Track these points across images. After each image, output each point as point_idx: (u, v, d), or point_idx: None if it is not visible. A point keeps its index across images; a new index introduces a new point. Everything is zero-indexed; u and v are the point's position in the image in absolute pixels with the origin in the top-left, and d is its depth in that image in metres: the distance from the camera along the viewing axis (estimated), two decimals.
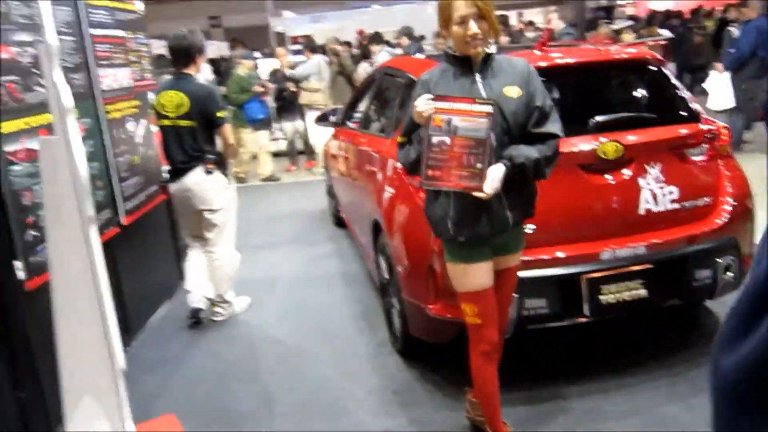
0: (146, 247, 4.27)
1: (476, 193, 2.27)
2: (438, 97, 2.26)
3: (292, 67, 8.70)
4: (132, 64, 4.16)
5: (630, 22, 9.44)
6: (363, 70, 8.38)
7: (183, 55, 3.95)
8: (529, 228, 2.88)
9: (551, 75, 3.20)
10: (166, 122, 3.92)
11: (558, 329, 2.99)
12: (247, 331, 4.10)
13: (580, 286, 2.89)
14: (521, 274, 2.81)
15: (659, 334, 3.56)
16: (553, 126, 2.37)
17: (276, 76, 8.56)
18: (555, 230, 2.94)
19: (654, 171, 2.99)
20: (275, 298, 4.60)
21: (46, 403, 2.80)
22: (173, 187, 4.03)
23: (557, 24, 7.99)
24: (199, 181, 3.92)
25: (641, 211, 2.99)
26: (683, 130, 3.09)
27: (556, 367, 3.29)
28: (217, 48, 24.74)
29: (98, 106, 3.64)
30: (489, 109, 2.22)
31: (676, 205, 3.03)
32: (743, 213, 3.19)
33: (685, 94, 3.34)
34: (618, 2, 25.70)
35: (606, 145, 2.89)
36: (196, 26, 4.04)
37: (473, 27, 2.28)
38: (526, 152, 2.30)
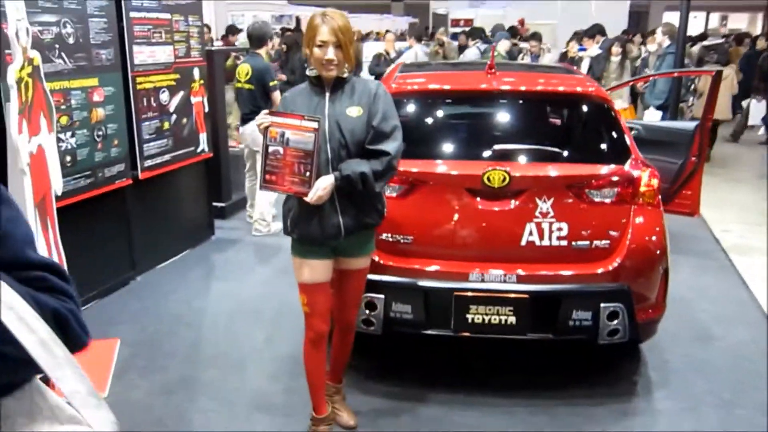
0: (167, 201, 5.00)
1: (305, 198, 2.59)
2: (274, 113, 2.60)
3: (399, 53, 9.07)
4: (176, 42, 4.83)
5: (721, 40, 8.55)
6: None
7: (257, 39, 5.60)
8: (407, 238, 3.12)
9: (480, 99, 3.37)
10: (238, 85, 5.52)
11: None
12: (222, 292, 4.69)
13: (450, 301, 3.08)
14: (390, 278, 3.09)
15: (580, 364, 3.60)
16: (389, 145, 2.60)
17: (379, 60, 8.99)
18: (432, 245, 3.13)
19: (544, 205, 3.05)
20: None
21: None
22: (241, 129, 5.70)
23: (662, 40, 7.51)
24: (254, 128, 5.35)
25: (523, 242, 3.07)
26: (584, 171, 3.10)
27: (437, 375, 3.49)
28: (391, 22, 25.62)
29: (129, 78, 4.37)
30: (315, 125, 2.52)
31: (563, 243, 3.07)
32: (645, 264, 3.13)
33: (624, 134, 3.30)
34: None
35: (493, 172, 3.01)
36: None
37: (330, 53, 2.57)
38: (355, 166, 2.57)
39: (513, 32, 9.67)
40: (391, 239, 3.15)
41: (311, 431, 2.91)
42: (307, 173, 2.57)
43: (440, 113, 3.43)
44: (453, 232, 3.11)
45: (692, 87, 7.66)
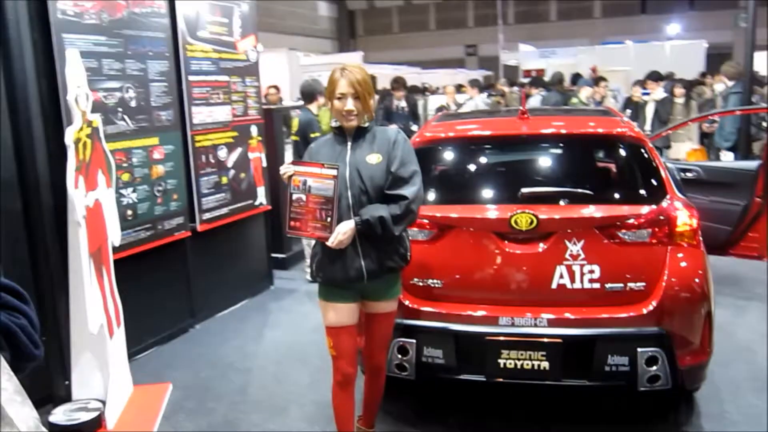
0: (226, 252, 5.23)
1: (326, 243, 2.69)
2: (296, 162, 2.74)
3: (458, 105, 9.20)
4: (234, 102, 5.15)
5: None
6: None
7: (307, 95, 5.90)
8: (437, 282, 3.15)
9: (509, 144, 3.42)
10: (293, 137, 5.81)
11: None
12: (274, 339, 4.81)
13: (482, 346, 3.06)
14: (421, 322, 3.12)
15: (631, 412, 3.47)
16: (407, 189, 2.67)
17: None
18: (462, 289, 3.14)
19: (574, 248, 3.01)
20: None
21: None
22: None
23: (724, 80, 7.26)
24: None
25: (554, 285, 3.03)
26: (614, 212, 3.05)
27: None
28: (465, 76, 25.95)
29: (188, 136, 4.68)
30: (334, 172, 2.64)
31: (595, 285, 3.01)
32: (684, 306, 3.01)
33: (659, 174, 3.24)
34: None
35: (520, 215, 3.01)
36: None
37: (349, 104, 2.71)
38: (374, 211, 2.65)
39: (576, 80, 9.62)
40: (421, 283, 3.19)
41: None
42: (328, 218, 2.67)
43: (470, 159, 3.48)
44: (482, 275, 3.12)
45: (766, 125, 7.35)
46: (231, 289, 5.33)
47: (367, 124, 2.79)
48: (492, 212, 3.12)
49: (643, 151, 3.30)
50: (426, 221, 3.17)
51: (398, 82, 8.77)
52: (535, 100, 9.11)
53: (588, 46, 24.39)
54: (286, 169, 2.74)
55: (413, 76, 24.11)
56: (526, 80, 19.53)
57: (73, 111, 3.27)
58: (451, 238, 3.16)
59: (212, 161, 4.94)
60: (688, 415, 3.44)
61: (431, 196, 3.32)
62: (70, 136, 3.18)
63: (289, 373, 4.15)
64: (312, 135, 5.47)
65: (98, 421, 3.42)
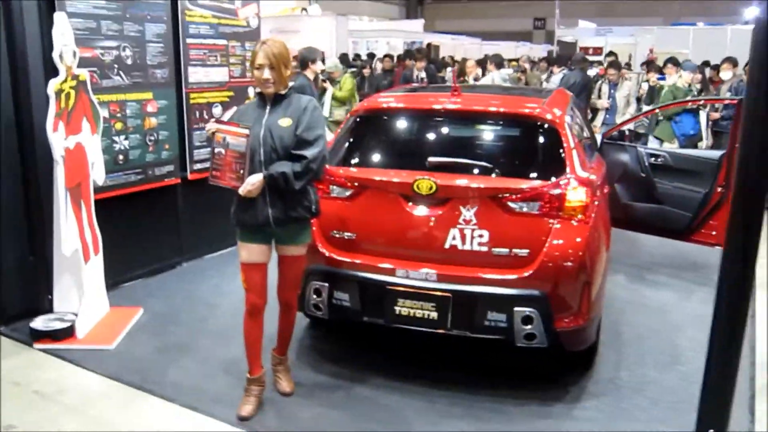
0: (216, 200, 5.75)
1: (238, 191, 3.16)
2: (218, 121, 3.20)
3: (476, 80, 9.42)
4: (232, 65, 5.64)
5: None
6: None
7: (301, 62, 6.26)
8: (351, 235, 3.59)
9: (430, 117, 3.79)
10: None
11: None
12: None
13: (381, 294, 3.49)
14: (333, 269, 3.57)
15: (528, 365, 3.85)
16: (309, 151, 3.11)
17: None
18: (370, 242, 3.56)
19: (468, 213, 3.37)
20: None
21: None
22: None
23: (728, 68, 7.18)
24: None
25: (447, 245, 3.41)
26: (507, 184, 3.37)
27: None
28: (528, 49, 25.57)
29: (183, 93, 5.22)
30: (246, 131, 3.09)
31: (483, 248, 3.37)
32: (561, 274, 3.32)
33: (562, 154, 3.52)
34: None
35: (421, 181, 3.39)
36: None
37: (266, 73, 3.14)
38: (278, 167, 3.10)
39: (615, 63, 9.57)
40: (338, 235, 3.62)
41: (245, 389, 3.43)
42: (241, 171, 3.13)
43: (394, 128, 3.87)
44: (387, 231, 3.52)
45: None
46: (221, 234, 5.84)
47: (284, 92, 3.22)
48: (399, 176, 3.51)
49: (552, 131, 3.58)
50: (345, 180, 3.59)
51: (421, 53, 9.07)
52: (557, 78, 9.23)
53: (661, 26, 23.60)
54: (210, 126, 3.20)
55: (473, 47, 24.08)
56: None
57: (58, 65, 3.83)
58: (366, 197, 3.57)
59: (206, 117, 5.47)
60: (578, 377, 3.77)
61: (356, 159, 3.73)
62: (51, 87, 3.75)
63: None
64: None
65: (70, 331, 4.05)
